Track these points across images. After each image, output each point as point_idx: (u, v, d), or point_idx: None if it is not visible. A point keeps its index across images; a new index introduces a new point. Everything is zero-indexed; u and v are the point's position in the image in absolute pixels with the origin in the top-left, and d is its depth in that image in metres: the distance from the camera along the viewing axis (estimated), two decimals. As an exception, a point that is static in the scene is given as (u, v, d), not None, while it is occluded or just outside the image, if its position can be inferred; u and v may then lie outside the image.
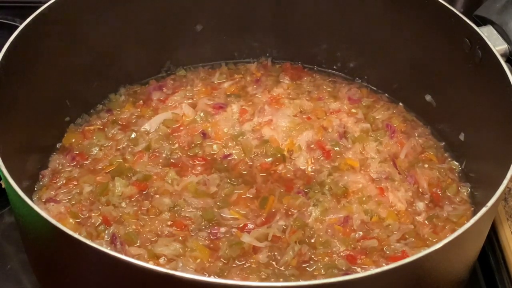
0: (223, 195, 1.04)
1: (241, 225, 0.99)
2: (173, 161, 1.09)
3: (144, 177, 1.05)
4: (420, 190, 1.08)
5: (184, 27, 1.23)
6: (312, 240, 0.98)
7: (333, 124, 1.16)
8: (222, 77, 1.25)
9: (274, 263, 0.95)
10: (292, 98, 1.21)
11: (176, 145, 1.11)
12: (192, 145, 1.12)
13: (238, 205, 1.03)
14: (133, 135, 1.12)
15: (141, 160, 1.08)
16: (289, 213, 1.02)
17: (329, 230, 0.99)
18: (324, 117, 1.17)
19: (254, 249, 0.96)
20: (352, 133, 1.15)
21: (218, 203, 1.02)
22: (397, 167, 1.09)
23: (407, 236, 1.00)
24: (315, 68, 1.30)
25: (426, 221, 1.03)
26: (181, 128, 1.14)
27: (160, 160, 1.09)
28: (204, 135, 1.13)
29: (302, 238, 0.98)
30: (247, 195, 1.04)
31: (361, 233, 0.99)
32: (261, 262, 0.94)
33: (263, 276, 0.92)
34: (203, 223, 0.99)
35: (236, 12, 1.23)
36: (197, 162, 1.09)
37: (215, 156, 1.10)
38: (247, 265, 0.94)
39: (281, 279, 0.92)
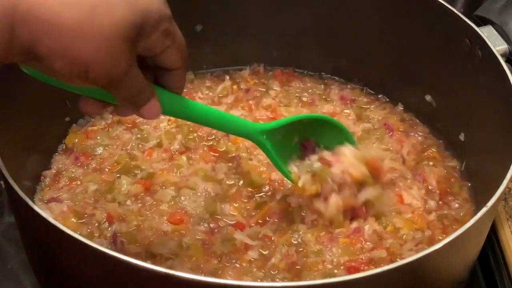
0: (228, 183, 1.04)
1: (236, 222, 0.99)
2: (188, 146, 1.10)
3: (148, 174, 1.05)
4: (430, 187, 1.07)
5: (183, 27, 1.23)
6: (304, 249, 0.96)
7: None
8: (224, 91, 1.25)
9: (265, 263, 0.94)
10: (286, 106, 1.21)
11: (195, 134, 1.12)
12: (212, 137, 1.12)
13: (236, 200, 1.02)
14: (141, 132, 1.12)
15: (149, 158, 1.08)
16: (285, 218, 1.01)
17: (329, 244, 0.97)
18: None
19: (246, 247, 0.95)
20: (356, 133, 1.15)
21: (220, 197, 1.02)
22: (405, 164, 1.09)
23: (419, 244, 0.98)
24: (305, 72, 1.29)
25: (436, 221, 1.01)
26: None
27: (171, 153, 1.09)
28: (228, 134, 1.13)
29: (290, 240, 0.96)
30: (248, 192, 1.04)
31: (370, 243, 0.96)
32: (252, 260, 0.94)
33: (256, 276, 0.92)
34: (205, 215, 0.99)
35: (232, 18, 1.23)
36: (211, 154, 1.10)
37: (227, 153, 1.10)
38: (242, 264, 0.94)
39: (277, 279, 0.92)
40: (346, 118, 1.19)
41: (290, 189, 1.02)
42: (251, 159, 1.09)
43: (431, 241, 0.98)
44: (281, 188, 1.04)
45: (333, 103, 1.22)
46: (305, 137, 1.00)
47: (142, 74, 0.72)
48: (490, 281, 1.05)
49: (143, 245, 0.95)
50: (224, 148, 1.11)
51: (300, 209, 1.00)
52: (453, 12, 1.06)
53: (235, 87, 1.25)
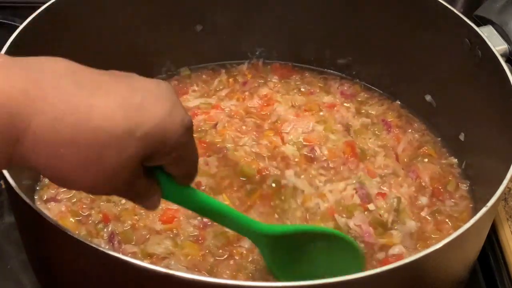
0: (220, 175, 1.05)
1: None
2: None
3: None
4: (423, 184, 1.07)
5: (183, 27, 1.23)
6: None
7: (335, 116, 1.16)
8: (220, 85, 1.25)
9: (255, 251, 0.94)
10: (283, 94, 1.21)
11: None
12: (200, 129, 1.12)
13: (227, 191, 1.03)
14: None
15: None
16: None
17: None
18: (321, 112, 1.18)
19: (238, 238, 0.95)
20: (354, 127, 1.15)
21: (214, 190, 1.03)
22: (399, 161, 1.10)
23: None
24: (304, 67, 1.30)
25: (428, 217, 1.02)
26: (197, 115, 1.16)
27: None
28: (215, 125, 1.13)
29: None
30: (239, 182, 1.04)
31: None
32: (245, 253, 0.94)
33: (251, 273, 0.92)
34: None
35: (232, 18, 1.24)
36: (201, 146, 1.10)
37: (216, 144, 1.10)
38: (235, 258, 0.94)
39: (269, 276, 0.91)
40: (346, 110, 1.19)
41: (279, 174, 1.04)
42: (237, 150, 1.09)
43: (421, 235, 0.99)
44: (271, 174, 1.05)
45: (334, 95, 1.23)
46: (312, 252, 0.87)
47: (146, 180, 0.69)
48: (490, 281, 1.05)
49: (138, 244, 0.95)
50: (210, 139, 1.11)
51: (293, 190, 1.01)
52: (453, 12, 1.06)
53: (231, 80, 1.26)
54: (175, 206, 0.99)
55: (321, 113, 1.18)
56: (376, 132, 1.16)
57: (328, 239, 0.87)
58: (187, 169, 0.72)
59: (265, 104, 1.19)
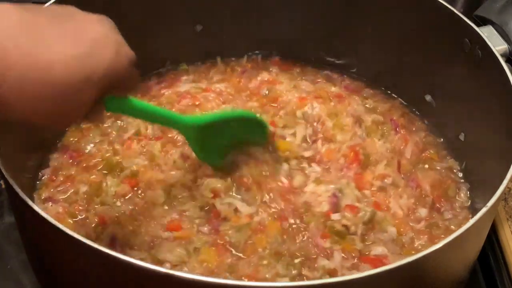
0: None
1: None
2: (164, 129, 1.08)
3: (132, 172, 1.02)
4: (423, 194, 1.05)
5: (183, 27, 1.23)
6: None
7: (347, 108, 1.13)
8: (217, 74, 1.25)
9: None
10: (285, 79, 1.20)
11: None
12: (182, 112, 1.11)
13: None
14: (121, 123, 1.11)
15: (129, 150, 1.06)
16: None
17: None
18: (331, 102, 1.15)
19: (250, 215, 0.95)
20: (366, 122, 1.12)
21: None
22: (400, 171, 1.06)
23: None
24: (304, 65, 1.29)
25: (424, 229, 1.00)
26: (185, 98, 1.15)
27: (148, 140, 1.07)
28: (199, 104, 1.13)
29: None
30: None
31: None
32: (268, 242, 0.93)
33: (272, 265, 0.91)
34: (199, 213, 0.97)
35: (232, 17, 1.24)
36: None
37: None
38: (257, 260, 0.92)
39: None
40: (356, 102, 1.17)
41: None
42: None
43: (411, 244, 0.97)
44: None
45: (339, 87, 1.22)
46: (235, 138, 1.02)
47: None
48: (490, 281, 1.05)
49: (145, 249, 0.92)
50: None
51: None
52: (453, 12, 1.06)
53: (228, 69, 1.25)
54: (177, 216, 0.97)
55: (332, 103, 1.14)
56: (385, 132, 1.13)
57: (242, 119, 1.03)
58: (130, 88, 0.81)
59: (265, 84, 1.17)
